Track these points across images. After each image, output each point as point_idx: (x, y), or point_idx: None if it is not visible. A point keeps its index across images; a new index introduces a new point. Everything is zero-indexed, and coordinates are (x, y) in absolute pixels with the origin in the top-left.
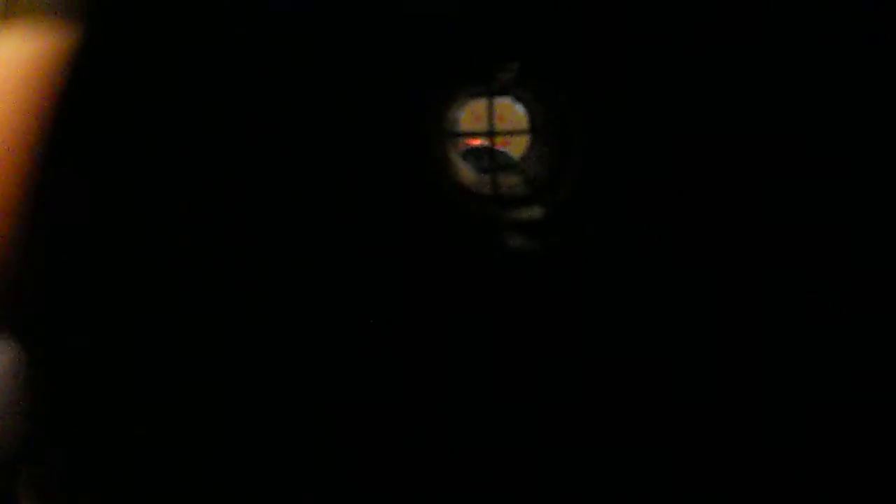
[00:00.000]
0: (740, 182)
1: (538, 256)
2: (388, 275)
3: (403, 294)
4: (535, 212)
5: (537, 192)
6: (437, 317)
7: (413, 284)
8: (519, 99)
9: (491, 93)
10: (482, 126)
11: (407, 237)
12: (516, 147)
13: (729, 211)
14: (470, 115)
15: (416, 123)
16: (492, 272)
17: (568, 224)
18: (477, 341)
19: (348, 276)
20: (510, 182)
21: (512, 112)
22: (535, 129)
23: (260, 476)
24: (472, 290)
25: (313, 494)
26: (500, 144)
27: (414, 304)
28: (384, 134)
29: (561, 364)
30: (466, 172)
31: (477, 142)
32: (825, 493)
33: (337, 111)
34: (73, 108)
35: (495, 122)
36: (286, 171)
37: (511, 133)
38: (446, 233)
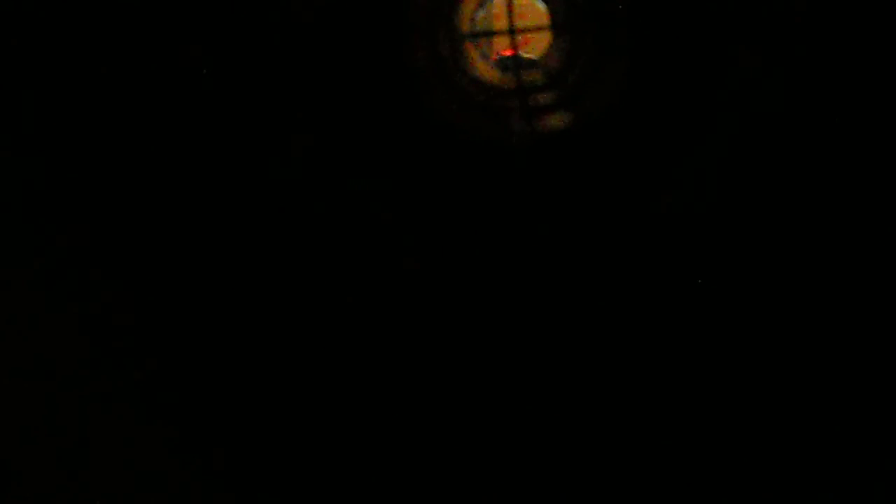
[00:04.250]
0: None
1: (548, 133)
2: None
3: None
4: (548, 97)
5: (552, 81)
6: (436, 190)
7: (404, 162)
8: None
9: None
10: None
11: (403, 121)
12: (536, 48)
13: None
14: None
15: (422, 19)
16: (504, 149)
17: (577, 103)
18: (492, 208)
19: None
20: (532, 77)
21: (532, 9)
22: (555, 24)
23: None
24: (482, 167)
25: None
26: (521, 45)
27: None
28: (382, 27)
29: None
30: (486, 69)
31: (511, 52)
32: None
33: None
34: None
35: (516, 20)
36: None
37: (530, 31)
38: (457, 117)
